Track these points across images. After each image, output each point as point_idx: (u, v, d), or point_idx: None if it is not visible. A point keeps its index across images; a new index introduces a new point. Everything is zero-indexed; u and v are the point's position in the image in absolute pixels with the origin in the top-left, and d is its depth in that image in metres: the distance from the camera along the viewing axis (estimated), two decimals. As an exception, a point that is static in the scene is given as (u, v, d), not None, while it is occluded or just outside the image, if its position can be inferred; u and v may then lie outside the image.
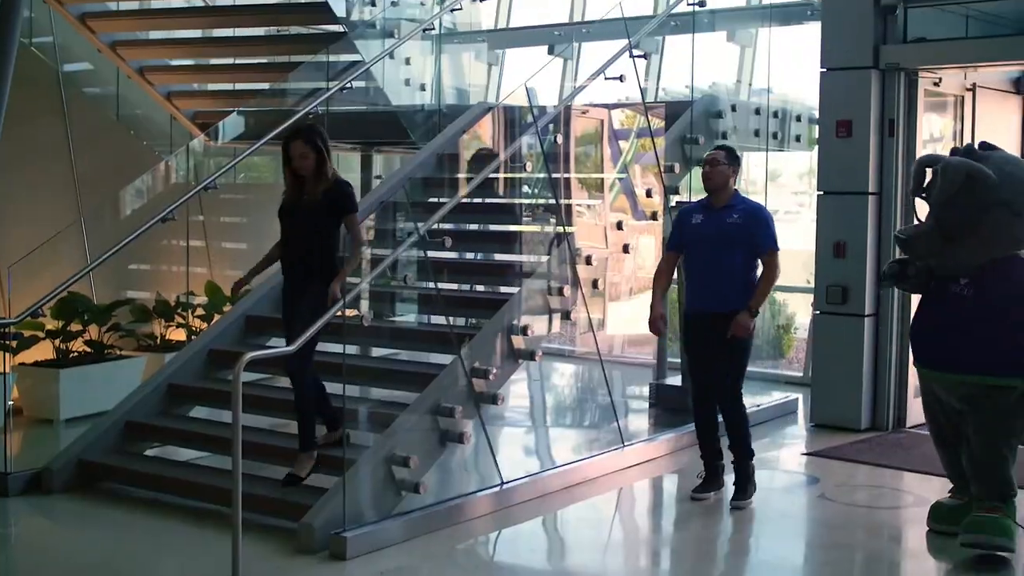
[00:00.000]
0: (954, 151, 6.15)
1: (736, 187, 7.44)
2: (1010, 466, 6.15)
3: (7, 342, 7.91)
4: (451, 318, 7.70)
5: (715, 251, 7.18)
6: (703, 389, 7.36)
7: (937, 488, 7.82)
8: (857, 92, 9.23)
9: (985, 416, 6.05)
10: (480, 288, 9.12)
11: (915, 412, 9.39)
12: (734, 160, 7.34)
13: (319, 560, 6.12)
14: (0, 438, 7.92)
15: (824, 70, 9.45)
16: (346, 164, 12.94)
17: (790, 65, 11.29)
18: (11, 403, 8.00)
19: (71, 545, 6.69)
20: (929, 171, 6.20)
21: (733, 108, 10.16)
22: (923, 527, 6.74)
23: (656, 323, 7.35)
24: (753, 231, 7.16)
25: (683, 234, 7.38)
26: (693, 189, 9.85)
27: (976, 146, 6.29)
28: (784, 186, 13.58)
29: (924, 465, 8.21)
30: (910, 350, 6.84)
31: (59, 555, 6.47)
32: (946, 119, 10.17)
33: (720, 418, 7.41)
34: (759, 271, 7.25)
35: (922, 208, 6.46)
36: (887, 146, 9.25)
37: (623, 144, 10.45)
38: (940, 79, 9.38)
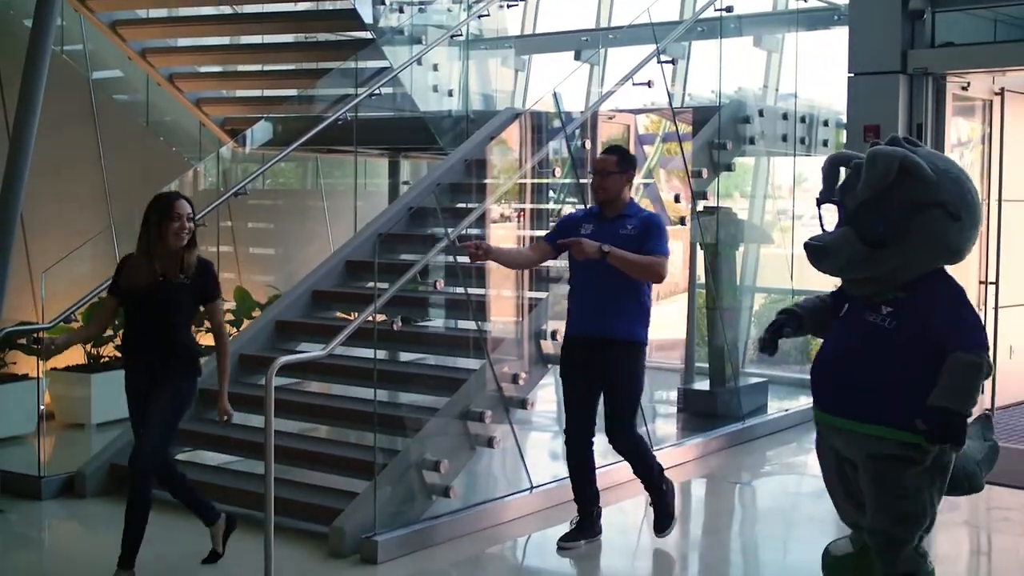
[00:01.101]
0: (874, 143, 4.84)
1: (632, 195, 6.64)
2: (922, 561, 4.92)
3: (40, 347, 7.96)
4: (480, 322, 7.72)
5: (605, 267, 6.15)
6: (579, 425, 6.47)
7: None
8: (885, 97, 9.20)
9: (889, 483, 4.71)
10: (507, 293, 9.14)
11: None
12: (628, 165, 6.46)
13: (350, 564, 6.15)
14: (33, 442, 8.01)
15: (852, 75, 9.43)
16: (373, 170, 13.01)
17: (817, 70, 11.29)
18: (43, 408, 8.05)
19: (104, 548, 6.72)
20: (843, 171, 5.00)
21: (760, 113, 10.18)
22: (955, 531, 6.71)
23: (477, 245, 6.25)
24: (643, 240, 6.25)
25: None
26: (720, 193, 9.89)
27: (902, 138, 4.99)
28: (808, 191, 13.56)
29: (954, 470, 8.19)
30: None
31: (92, 558, 6.51)
32: (974, 123, 10.15)
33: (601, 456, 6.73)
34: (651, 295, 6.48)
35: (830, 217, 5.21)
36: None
37: (648, 149, 10.47)
38: (968, 83, 9.36)
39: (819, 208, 4.95)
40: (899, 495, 4.67)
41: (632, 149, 10.01)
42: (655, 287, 6.50)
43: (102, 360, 9.67)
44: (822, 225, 4.90)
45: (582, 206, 8.86)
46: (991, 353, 4.76)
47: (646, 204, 9.76)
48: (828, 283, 12.63)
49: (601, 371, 6.35)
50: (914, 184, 4.60)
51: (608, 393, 6.41)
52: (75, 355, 9.56)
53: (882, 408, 4.62)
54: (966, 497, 7.60)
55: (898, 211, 4.62)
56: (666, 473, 6.72)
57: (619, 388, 6.38)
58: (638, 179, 10.06)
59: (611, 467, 7.95)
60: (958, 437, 4.48)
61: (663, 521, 6.65)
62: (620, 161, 6.42)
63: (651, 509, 6.72)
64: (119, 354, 9.74)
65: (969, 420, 4.59)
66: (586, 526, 6.61)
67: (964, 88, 9.38)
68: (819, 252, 4.80)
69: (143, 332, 5.92)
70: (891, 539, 4.76)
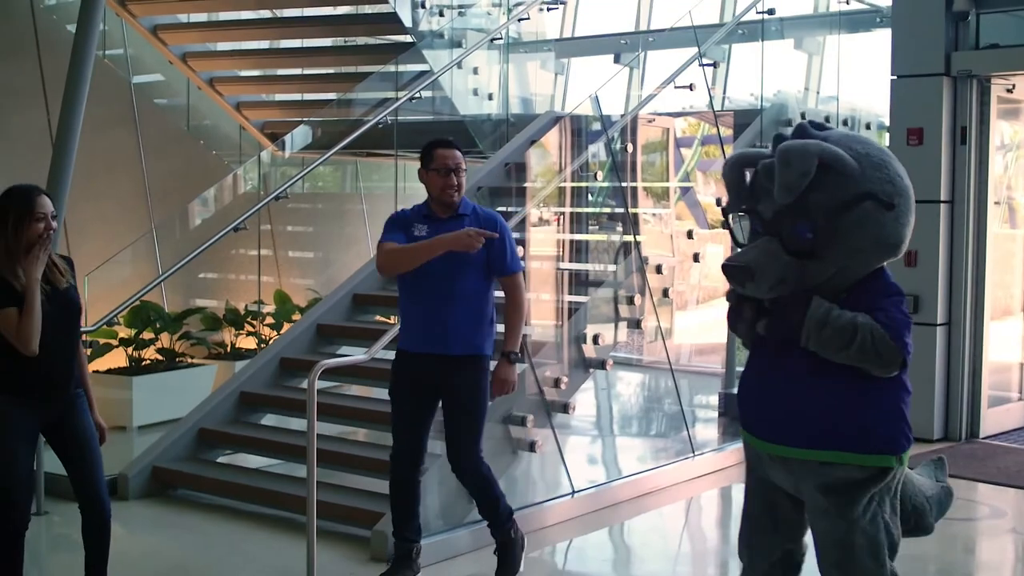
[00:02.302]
0: (779, 137, 4.13)
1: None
2: None
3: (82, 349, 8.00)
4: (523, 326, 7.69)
5: (443, 274, 5.51)
6: (409, 451, 5.75)
7: (1011, 500, 7.74)
8: (928, 99, 9.14)
9: (842, 514, 4.04)
10: (546, 297, 9.13)
11: (989, 423, 9.34)
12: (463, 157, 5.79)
13: (383, 565, 6.14)
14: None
15: (895, 77, 9.37)
16: (413, 174, 12.99)
17: (859, 73, 11.22)
18: (86, 410, 8.09)
19: (146, 552, 6.76)
20: (749, 174, 4.23)
21: (802, 116, 10.11)
22: (998, 538, 6.64)
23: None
24: (487, 247, 5.53)
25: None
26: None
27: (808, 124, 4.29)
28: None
29: (999, 476, 8.13)
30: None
31: (134, 561, 6.53)
32: (1019, 126, 10.07)
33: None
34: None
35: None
36: (959, 154, 9.16)
37: (686, 152, 10.44)
38: (1013, 85, 9.28)
39: (728, 220, 4.26)
40: (852, 528, 4.04)
41: (672, 152, 9.99)
42: (694, 291, 6.25)
43: (144, 363, 9.71)
44: (736, 240, 4.24)
45: (622, 210, 8.83)
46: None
47: (681, 208, 9.74)
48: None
49: (438, 389, 5.67)
50: (837, 179, 3.96)
51: (449, 414, 5.73)
52: (117, 358, 9.60)
53: (826, 430, 3.99)
54: (1013, 503, 7.61)
55: (825, 212, 3.96)
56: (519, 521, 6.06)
57: (461, 408, 5.69)
58: (677, 183, 10.06)
59: (651, 472, 7.93)
60: (789, 327, 3.92)
61: (514, 564, 5.91)
62: (462, 153, 5.74)
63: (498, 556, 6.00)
64: (160, 357, 9.82)
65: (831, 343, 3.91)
66: (403, 564, 5.85)
67: (1009, 91, 9.30)
68: (742, 274, 4.05)
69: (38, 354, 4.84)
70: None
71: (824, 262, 3.98)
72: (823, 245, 3.95)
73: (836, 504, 4.02)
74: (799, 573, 4.38)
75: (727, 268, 4.08)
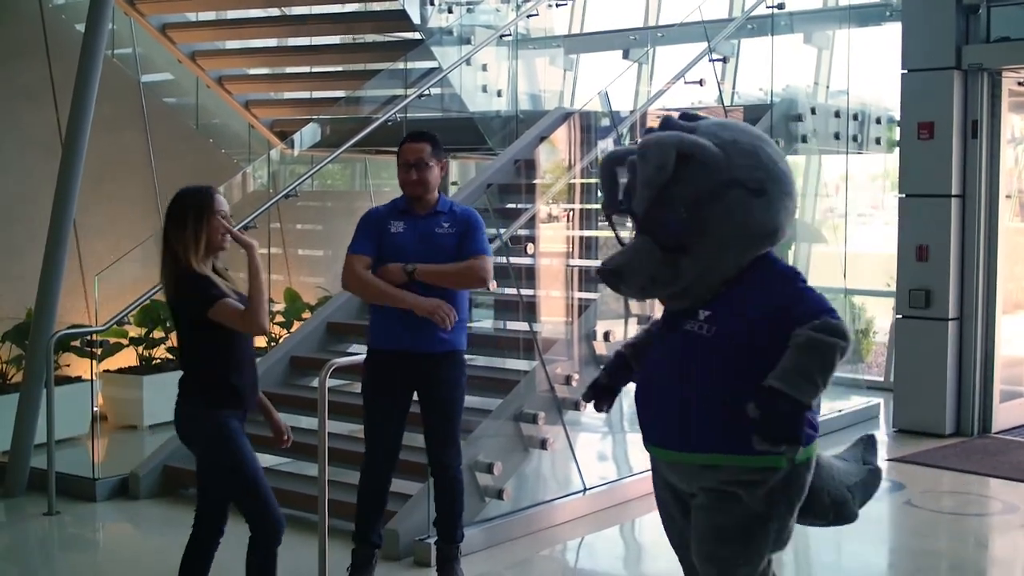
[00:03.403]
0: (648, 131, 3.97)
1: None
2: None
3: (93, 349, 8.02)
4: (531, 323, 7.69)
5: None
6: (385, 454, 5.65)
7: (1025, 495, 7.72)
8: (939, 93, 9.11)
9: (719, 520, 3.90)
10: (557, 294, 9.12)
11: (1001, 417, 9.32)
12: (441, 152, 5.64)
13: (403, 566, 6.14)
14: (87, 444, 8.07)
15: (905, 71, 9.34)
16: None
17: (869, 66, 11.19)
18: (97, 409, 8.10)
19: (158, 550, 6.76)
20: (622, 172, 4.04)
21: (812, 111, 10.10)
22: (1010, 533, 6.61)
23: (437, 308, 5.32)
24: (462, 240, 5.51)
25: (381, 247, 5.51)
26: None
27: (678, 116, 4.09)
28: (856, 188, 13.46)
29: (1011, 471, 8.11)
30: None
31: (146, 560, 6.55)
32: (1031, 119, 10.04)
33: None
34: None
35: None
36: (970, 148, 9.13)
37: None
38: (1025, 79, 9.26)
39: (609, 221, 4.10)
40: (725, 536, 3.90)
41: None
42: None
43: (154, 362, 9.72)
44: (620, 240, 4.06)
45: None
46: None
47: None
48: (880, 281, 12.55)
49: (414, 388, 5.59)
50: (699, 169, 3.80)
51: (430, 411, 5.64)
52: (127, 357, 9.61)
53: (712, 432, 3.80)
54: (1026, 499, 7.59)
55: (689, 204, 3.80)
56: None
57: (442, 403, 5.62)
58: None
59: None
60: (790, 431, 3.58)
61: None
62: (434, 149, 5.57)
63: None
64: (170, 356, 9.82)
65: (813, 412, 3.75)
66: (364, 573, 5.73)
67: (1021, 84, 9.29)
68: (613, 276, 3.90)
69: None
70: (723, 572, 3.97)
71: (695, 256, 3.81)
72: (692, 238, 3.80)
73: (717, 502, 3.87)
74: None
75: (600, 272, 3.95)
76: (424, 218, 5.54)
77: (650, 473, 4.26)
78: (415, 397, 5.66)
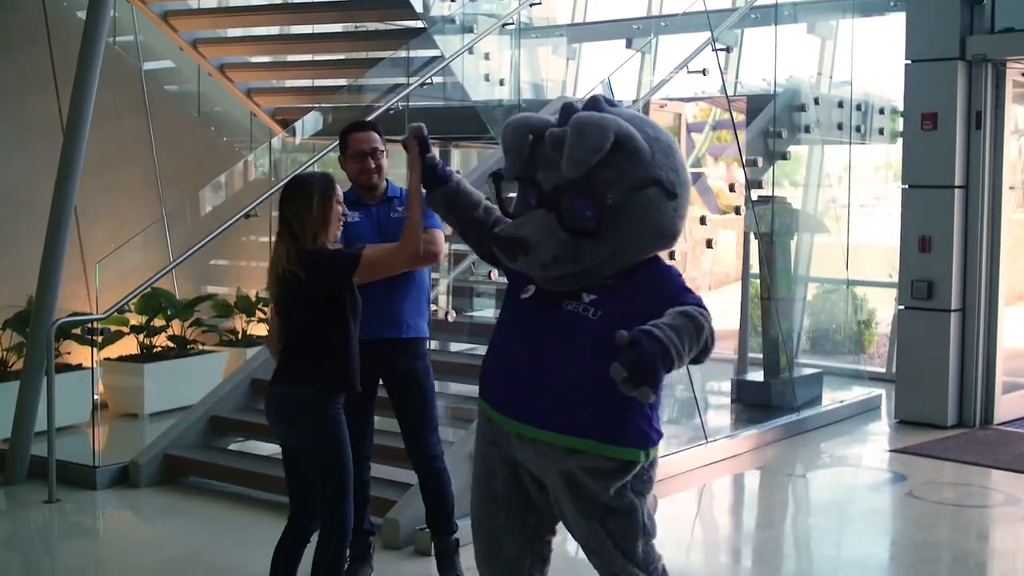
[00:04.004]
0: (567, 107, 3.87)
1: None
2: None
3: (93, 337, 8.01)
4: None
5: None
6: (360, 443, 5.41)
7: (1028, 486, 7.71)
8: (943, 84, 9.08)
9: (593, 502, 3.83)
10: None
11: (1003, 409, 9.31)
12: (383, 138, 5.55)
13: (404, 556, 6.14)
14: (87, 432, 8.06)
15: (909, 62, 9.31)
16: (424, 159, 12.98)
17: (872, 57, 11.16)
18: (98, 397, 8.10)
19: (158, 538, 6.77)
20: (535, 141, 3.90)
21: (816, 101, 10.07)
22: (1012, 525, 6.60)
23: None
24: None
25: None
26: (774, 182, 9.79)
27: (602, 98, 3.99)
28: (859, 179, 13.45)
29: (1013, 463, 8.11)
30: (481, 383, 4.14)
31: (147, 548, 6.55)
32: (1035, 111, 10.01)
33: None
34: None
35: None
36: (974, 139, 9.11)
37: (697, 137, 10.38)
38: (1029, 69, 9.24)
39: (497, 186, 4.03)
40: (605, 518, 3.84)
41: (682, 138, 9.93)
42: (706, 277, 5.95)
43: (155, 351, 9.71)
44: (505, 208, 4.04)
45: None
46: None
47: (693, 194, 9.68)
48: (882, 272, 12.54)
49: (381, 376, 5.56)
50: (628, 159, 3.74)
51: (402, 399, 5.63)
52: (128, 345, 9.60)
53: (584, 417, 3.74)
54: (1028, 491, 7.58)
55: (609, 192, 3.72)
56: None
57: (415, 389, 5.59)
58: (688, 168, 9.99)
59: (664, 459, 7.90)
60: (651, 372, 3.41)
61: None
62: (381, 136, 5.49)
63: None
64: (171, 344, 9.81)
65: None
66: (361, 562, 5.72)
67: (1024, 75, 9.25)
68: (516, 246, 3.78)
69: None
70: (610, 562, 3.90)
71: (600, 244, 3.75)
72: (603, 226, 3.73)
73: (581, 492, 3.83)
74: (549, 559, 4.20)
75: (500, 239, 3.83)
76: (377, 206, 5.52)
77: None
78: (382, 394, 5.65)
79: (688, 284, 3.90)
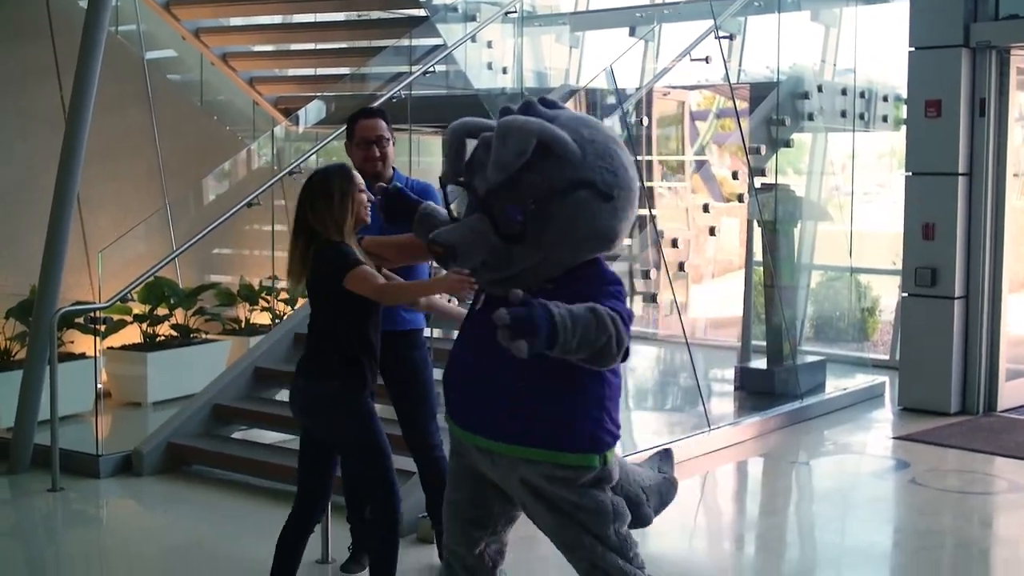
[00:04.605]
0: (505, 110, 3.86)
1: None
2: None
3: (97, 326, 8.01)
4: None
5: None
6: None
7: (1031, 473, 7.71)
8: (947, 71, 9.06)
9: (564, 518, 3.86)
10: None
11: (1006, 396, 9.31)
12: (390, 125, 5.55)
13: (406, 543, 6.11)
14: (90, 421, 8.07)
15: (913, 49, 9.29)
16: (426, 148, 12.97)
17: (876, 44, 11.13)
18: (101, 386, 8.11)
19: (161, 526, 6.77)
20: (472, 145, 3.94)
21: (819, 88, 10.05)
22: (1016, 512, 6.59)
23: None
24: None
25: None
26: (777, 170, 9.77)
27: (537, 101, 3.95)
28: (862, 167, 13.43)
29: (1016, 450, 8.10)
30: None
31: (150, 536, 6.55)
32: (1039, 98, 9.99)
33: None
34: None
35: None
36: (978, 126, 9.09)
37: (701, 125, 10.38)
38: (1033, 57, 9.21)
39: (443, 190, 4.03)
40: (570, 521, 3.87)
41: (687, 125, 9.93)
42: (710, 265, 6.04)
43: (158, 339, 9.71)
44: (451, 214, 4.07)
45: (639, 184, 8.78)
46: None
47: (697, 181, 9.68)
48: (886, 260, 12.53)
49: (398, 368, 5.51)
50: (555, 162, 3.70)
51: (400, 390, 5.61)
52: (131, 334, 9.61)
53: (535, 425, 3.76)
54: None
55: (537, 196, 3.70)
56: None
57: (412, 379, 5.58)
58: (692, 156, 10.00)
59: (667, 446, 7.89)
60: (529, 329, 3.36)
61: None
62: (388, 123, 5.49)
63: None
64: (175, 333, 9.81)
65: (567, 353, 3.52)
66: (362, 547, 5.72)
67: (1029, 62, 9.23)
68: (446, 253, 3.79)
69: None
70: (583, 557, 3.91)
71: (531, 249, 3.72)
72: (534, 230, 3.70)
73: (540, 498, 3.85)
74: (502, 563, 4.25)
75: (432, 244, 3.82)
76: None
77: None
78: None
79: (633, 290, 3.93)
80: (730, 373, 10.38)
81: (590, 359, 3.58)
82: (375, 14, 12.51)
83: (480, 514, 4.07)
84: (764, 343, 10.21)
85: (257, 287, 10.79)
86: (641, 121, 8.86)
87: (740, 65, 11.39)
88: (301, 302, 9.97)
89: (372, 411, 4.82)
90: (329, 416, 4.80)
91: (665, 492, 4.41)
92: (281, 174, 9.34)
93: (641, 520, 4.24)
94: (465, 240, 3.74)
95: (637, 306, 8.17)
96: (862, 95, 10.65)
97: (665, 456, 4.63)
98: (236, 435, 8.02)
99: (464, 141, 3.88)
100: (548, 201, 3.70)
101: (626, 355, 3.69)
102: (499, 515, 4.10)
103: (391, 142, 5.50)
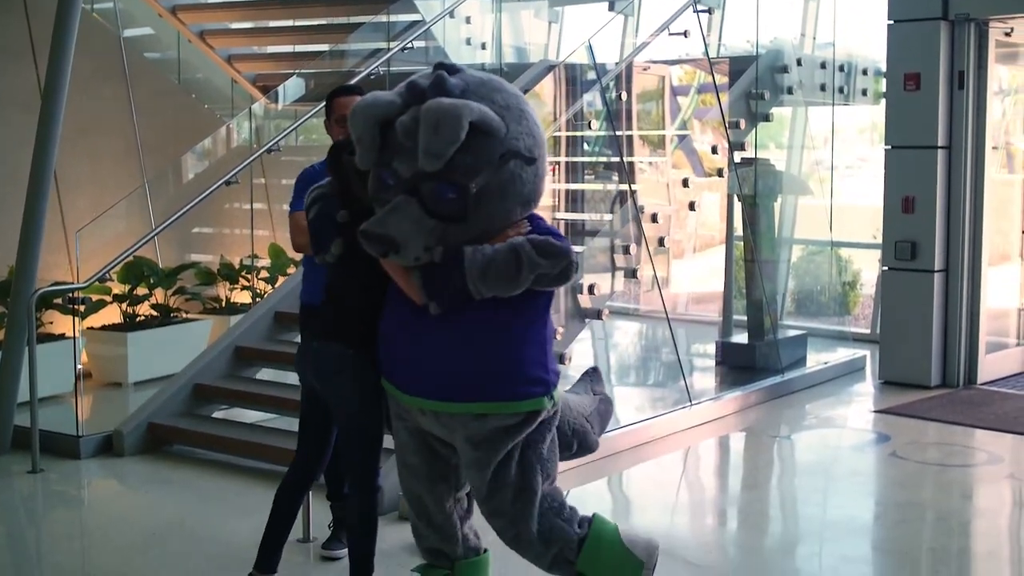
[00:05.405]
0: (412, 86, 3.88)
1: None
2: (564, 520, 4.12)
3: (75, 306, 7.96)
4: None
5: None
6: None
7: (1009, 445, 7.74)
8: (926, 44, 9.06)
9: (492, 463, 4.00)
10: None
11: (986, 369, 9.34)
12: None
13: (388, 521, 6.11)
14: (71, 402, 8.04)
15: (891, 22, 9.28)
16: (406, 125, 12.95)
17: (855, 18, 11.12)
18: (81, 367, 8.07)
19: (143, 507, 6.75)
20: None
21: (799, 62, 10.04)
22: (995, 484, 6.61)
23: None
24: None
25: None
26: (758, 144, 9.76)
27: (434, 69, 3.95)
28: (843, 141, 13.43)
29: (996, 422, 8.13)
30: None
31: (131, 517, 6.53)
32: (1017, 70, 9.99)
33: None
34: None
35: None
36: (957, 99, 9.09)
37: (682, 100, 10.36)
38: (1012, 29, 9.20)
39: (338, 160, 4.18)
40: (502, 476, 3.99)
41: (667, 100, 9.90)
42: (691, 240, 6.10)
43: (138, 319, 9.67)
44: (349, 188, 4.11)
45: (617, 159, 8.78)
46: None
47: (677, 156, 9.66)
48: (866, 234, 12.54)
49: None
50: (484, 140, 3.77)
51: None
52: (111, 314, 9.56)
53: (484, 382, 3.89)
54: (1011, 449, 7.60)
55: (470, 175, 3.75)
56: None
57: None
58: (673, 131, 9.97)
59: (648, 422, 7.91)
60: (440, 290, 3.71)
61: None
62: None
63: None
64: (155, 313, 9.78)
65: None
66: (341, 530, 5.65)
67: (1007, 34, 9.23)
68: (384, 244, 3.81)
69: None
70: (514, 519, 4.06)
71: (468, 225, 3.83)
72: (470, 207, 3.80)
73: (487, 454, 3.98)
74: (472, 515, 4.36)
75: (367, 235, 3.84)
76: None
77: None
78: None
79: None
80: (711, 348, 10.39)
81: (539, 281, 3.83)
82: (353, -10, 12.46)
83: (439, 467, 4.18)
84: (745, 318, 10.22)
85: (237, 266, 10.75)
86: (620, 96, 8.84)
87: (720, 39, 11.37)
88: (281, 280, 9.95)
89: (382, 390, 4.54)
90: (344, 375, 4.52)
91: (604, 413, 4.56)
92: (259, 152, 9.31)
93: (589, 447, 4.41)
94: (403, 231, 3.78)
95: (618, 282, 8.16)
96: (841, 68, 10.64)
97: (594, 375, 4.71)
98: (217, 414, 7.99)
99: (377, 128, 3.90)
100: (481, 180, 3.80)
101: (569, 270, 3.88)
102: (456, 465, 4.18)
103: None
